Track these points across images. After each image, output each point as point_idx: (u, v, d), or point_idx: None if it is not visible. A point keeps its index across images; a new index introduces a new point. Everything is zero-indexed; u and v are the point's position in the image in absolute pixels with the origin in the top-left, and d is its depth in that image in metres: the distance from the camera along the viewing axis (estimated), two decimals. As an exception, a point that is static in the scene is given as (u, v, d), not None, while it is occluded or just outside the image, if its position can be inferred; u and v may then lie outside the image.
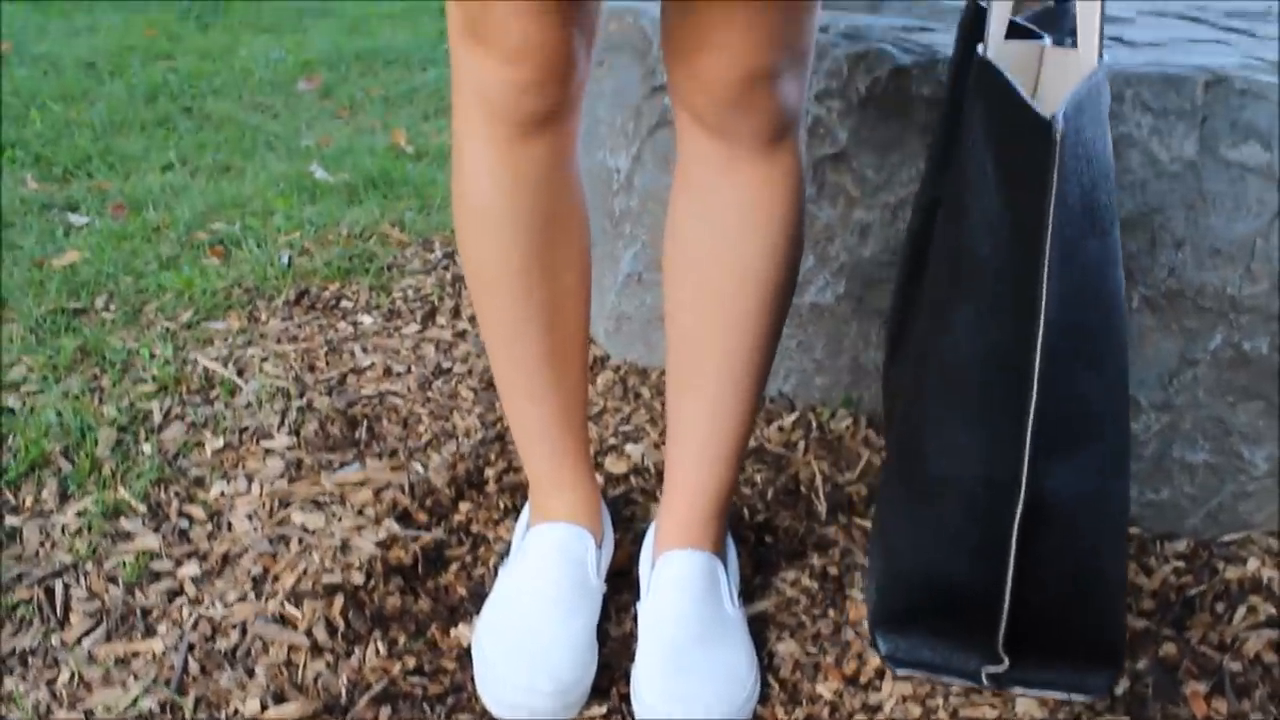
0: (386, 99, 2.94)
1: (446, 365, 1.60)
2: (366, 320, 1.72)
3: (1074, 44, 0.89)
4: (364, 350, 1.63)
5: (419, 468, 1.35)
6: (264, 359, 1.58)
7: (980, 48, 0.87)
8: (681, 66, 0.94)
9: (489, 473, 1.34)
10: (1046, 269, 0.77)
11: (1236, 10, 1.52)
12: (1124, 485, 0.89)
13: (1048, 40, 0.91)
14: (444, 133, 2.66)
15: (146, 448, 1.36)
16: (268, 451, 1.37)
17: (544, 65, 0.93)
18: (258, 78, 3.05)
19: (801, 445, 1.43)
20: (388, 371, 1.58)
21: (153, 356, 1.57)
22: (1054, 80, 0.89)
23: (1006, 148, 0.80)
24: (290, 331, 1.68)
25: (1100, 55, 0.83)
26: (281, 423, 1.43)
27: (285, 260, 1.88)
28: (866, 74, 1.29)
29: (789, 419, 1.46)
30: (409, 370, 1.58)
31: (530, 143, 0.97)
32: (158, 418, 1.42)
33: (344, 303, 1.77)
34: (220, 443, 1.38)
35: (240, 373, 1.55)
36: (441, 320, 1.73)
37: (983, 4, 0.95)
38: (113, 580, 1.17)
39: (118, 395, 1.47)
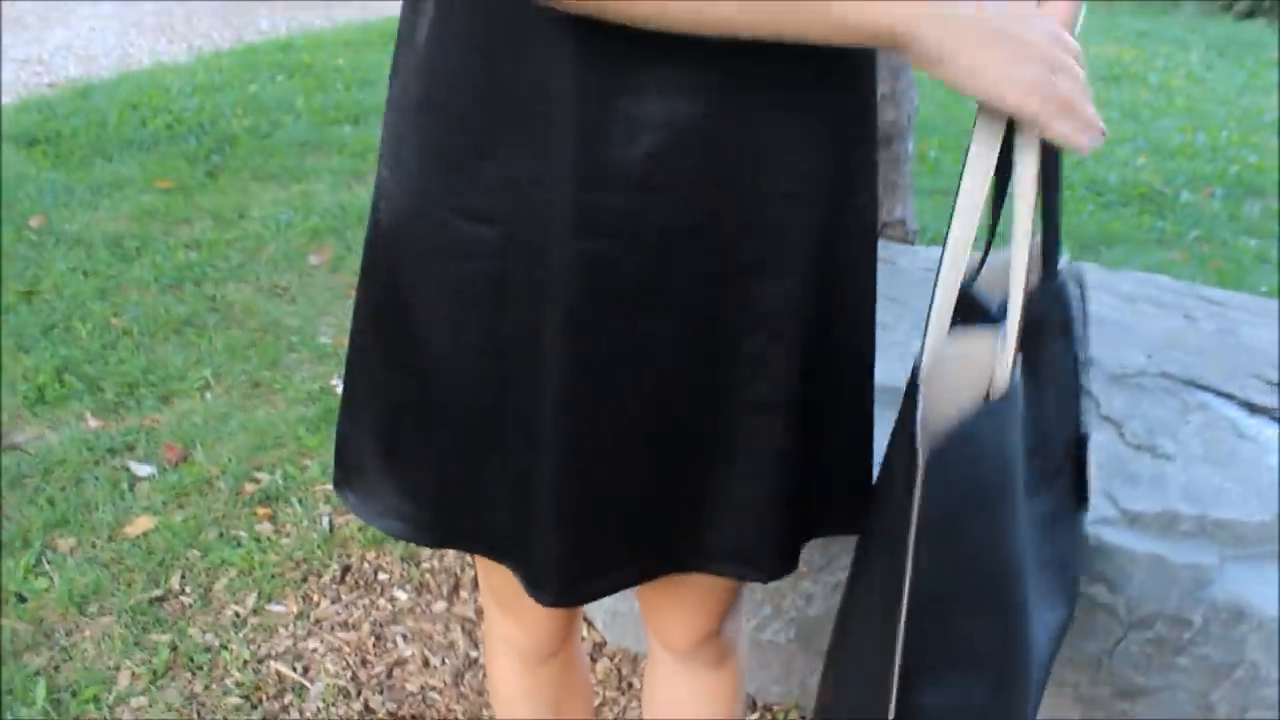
0: (390, 276, 3.25)
1: (473, 654, 1.96)
2: (402, 597, 2.07)
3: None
4: (404, 638, 1.98)
5: (461, 785, 1.72)
6: (324, 655, 1.93)
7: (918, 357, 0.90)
8: (653, 619, 1.27)
9: (517, 794, 1.71)
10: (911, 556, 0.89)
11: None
12: (1007, 700, 0.98)
13: (1004, 330, 0.89)
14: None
15: (244, 773, 1.72)
16: (339, 769, 1.73)
17: (560, 634, 1.27)
18: (271, 250, 3.35)
19: (761, 746, 1.81)
20: (425, 663, 1.93)
21: (231, 653, 1.92)
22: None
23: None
24: (340, 616, 2.03)
25: (1015, 368, 0.86)
26: (346, 735, 1.79)
27: (327, 526, 2.22)
28: (813, 486, 1.65)
29: (751, 717, 1.84)
30: (443, 662, 1.94)
31: (548, 661, 1.31)
32: (248, 737, 1.78)
33: (380, 575, 2.12)
34: (302, 765, 1.74)
35: (306, 671, 1.90)
36: (464, 594, 2.09)
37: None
38: None
39: (211, 708, 1.82)
